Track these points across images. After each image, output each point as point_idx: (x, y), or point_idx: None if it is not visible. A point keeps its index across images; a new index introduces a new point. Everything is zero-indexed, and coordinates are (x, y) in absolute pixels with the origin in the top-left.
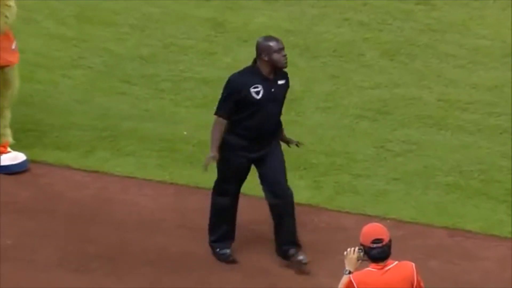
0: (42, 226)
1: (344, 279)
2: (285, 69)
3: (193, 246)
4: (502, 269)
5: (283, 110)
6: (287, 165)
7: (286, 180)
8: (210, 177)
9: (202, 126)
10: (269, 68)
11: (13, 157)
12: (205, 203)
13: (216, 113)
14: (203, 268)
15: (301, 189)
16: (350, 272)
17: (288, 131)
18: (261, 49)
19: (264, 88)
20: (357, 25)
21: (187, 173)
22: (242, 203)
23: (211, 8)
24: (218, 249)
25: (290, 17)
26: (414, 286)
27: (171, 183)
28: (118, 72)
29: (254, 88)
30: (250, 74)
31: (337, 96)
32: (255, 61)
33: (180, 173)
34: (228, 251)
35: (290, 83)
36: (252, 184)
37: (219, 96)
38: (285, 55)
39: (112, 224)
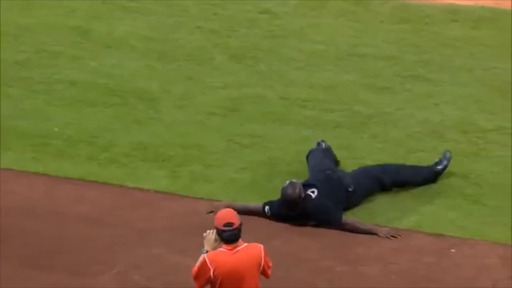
0: None
1: (200, 257)
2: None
3: (64, 229)
4: (337, 244)
5: None
6: (146, 157)
7: None
8: (78, 168)
9: (71, 123)
10: None
11: None
12: (73, 192)
13: None
14: (73, 249)
15: (160, 178)
16: (207, 252)
17: (148, 128)
18: None
19: None
20: (208, 33)
21: (58, 165)
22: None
23: (78, 18)
24: None
25: (149, 25)
26: (262, 265)
27: (45, 174)
28: None
29: None
30: None
31: (191, 95)
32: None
33: (52, 165)
34: None
35: (150, 85)
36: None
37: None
38: None
39: None
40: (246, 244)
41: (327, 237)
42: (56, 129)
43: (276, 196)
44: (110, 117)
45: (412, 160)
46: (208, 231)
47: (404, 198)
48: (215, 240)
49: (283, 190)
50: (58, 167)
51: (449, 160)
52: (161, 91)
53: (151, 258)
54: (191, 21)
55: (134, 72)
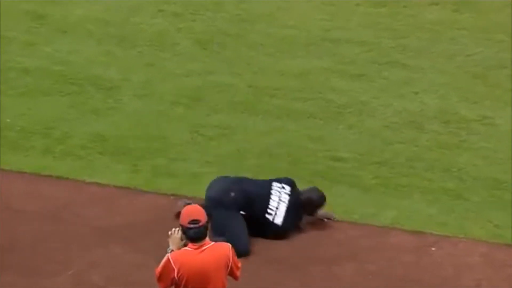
0: None
1: (165, 257)
2: None
3: (17, 226)
4: (309, 243)
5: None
6: (105, 150)
7: None
8: (32, 161)
9: (24, 114)
10: None
11: None
12: (28, 187)
13: None
14: (27, 248)
15: (119, 173)
16: (172, 251)
17: (107, 118)
18: None
19: None
20: (171, 16)
21: (12, 158)
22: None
23: (32, 1)
24: None
25: (107, 9)
26: (230, 266)
27: None
28: None
29: None
30: None
31: (153, 83)
32: None
33: (5, 159)
34: None
35: (109, 73)
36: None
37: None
38: None
39: None
40: (213, 243)
41: (298, 236)
42: (8, 120)
43: None
44: (66, 107)
45: (389, 152)
46: (173, 229)
47: (380, 193)
48: (181, 239)
49: None
50: (11, 161)
51: None
52: (120, 79)
53: (110, 257)
54: (152, 3)
55: (91, 59)
